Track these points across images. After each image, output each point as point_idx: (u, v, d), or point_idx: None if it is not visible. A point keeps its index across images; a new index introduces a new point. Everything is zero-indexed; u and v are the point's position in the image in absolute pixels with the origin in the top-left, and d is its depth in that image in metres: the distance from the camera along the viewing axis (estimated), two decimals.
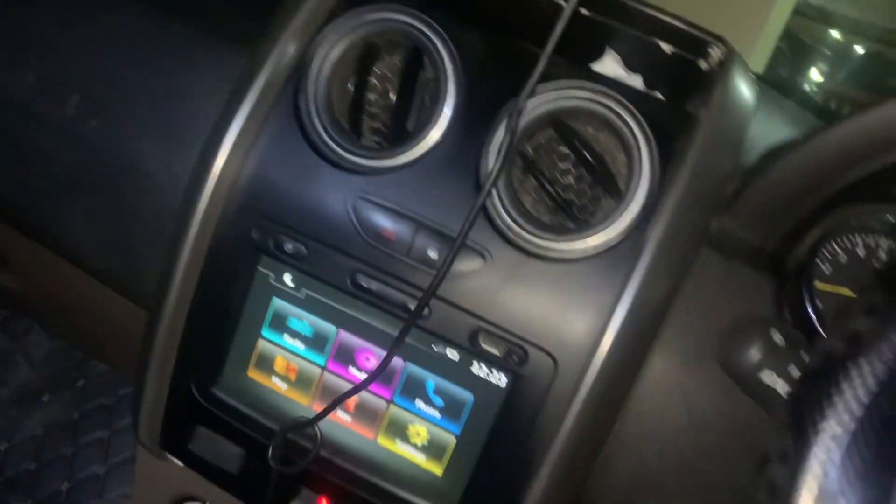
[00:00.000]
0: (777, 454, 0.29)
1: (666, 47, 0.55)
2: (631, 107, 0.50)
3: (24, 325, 1.28)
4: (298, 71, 0.53)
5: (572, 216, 0.52)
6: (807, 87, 1.02)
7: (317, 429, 0.53)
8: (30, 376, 1.26)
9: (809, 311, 0.49)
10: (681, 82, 0.54)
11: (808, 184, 0.51)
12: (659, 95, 0.54)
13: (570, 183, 0.54)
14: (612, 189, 0.51)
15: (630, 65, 0.56)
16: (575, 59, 0.54)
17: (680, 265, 0.49)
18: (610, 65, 0.58)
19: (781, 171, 0.51)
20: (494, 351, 0.49)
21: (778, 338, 0.42)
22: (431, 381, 0.51)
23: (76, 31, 0.60)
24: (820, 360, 0.29)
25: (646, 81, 0.56)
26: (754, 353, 0.42)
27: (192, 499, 0.63)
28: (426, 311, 0.50)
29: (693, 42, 0.53)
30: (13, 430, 1.22)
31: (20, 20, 0.62)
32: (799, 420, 0.28)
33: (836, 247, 0.53)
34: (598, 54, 0.57)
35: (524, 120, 0.51)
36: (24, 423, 1.23)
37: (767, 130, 0.59)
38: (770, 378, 0.42)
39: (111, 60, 0.59)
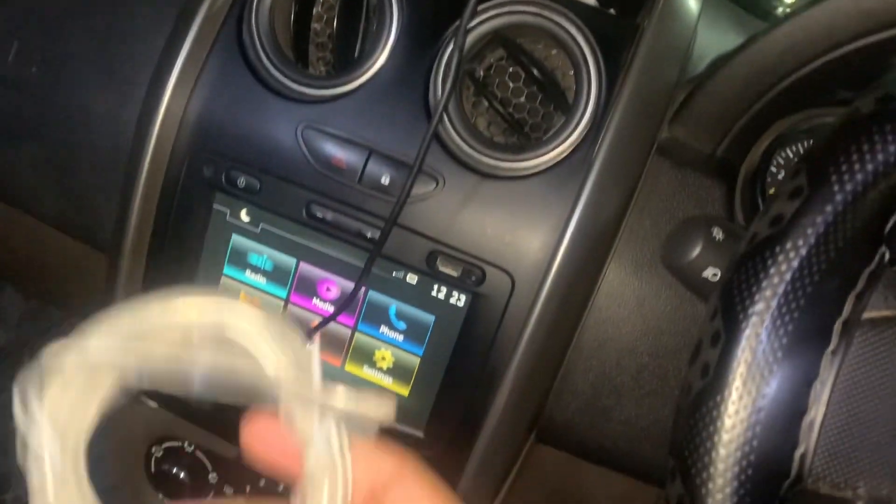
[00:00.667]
0: (709, 337, 0.30)
1: None
2: (578, 21, 0.49)
3: None
4: (240, 2, 0.52)
5: (525, 135, 0.52)
6: None
7: None
8: (6, 339, 1.26)
9: None
10: None
11: (754, 88, 0.51)
12: (612, 12, 0.54)
13: (521, 102, 0.54)
14: (562, 105, 0.51)
15: None
16: None
17: (630, 176, 0.49)
18: None
19: (727, 75, 0.51)
20: (452, 272, 0.50)
21: (719, 234, 0.43)
22: (393, 305, 0.52)
23: None
24: (746, 244, 0.30)
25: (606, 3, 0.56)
26: (695, 251, 0.43)
27: (169, 438, 0.64)
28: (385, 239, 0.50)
29: None
30: None
31: None
32: (728, 301, 0.29)
33: (788, 153, 0.53)
34: None
35: (471, 39, 0.50)
36: (6, 387, 1.23)
37: (715, 38, 0.59)
38: (711, 274, 0.43)
39: (47, 5, 0.57)
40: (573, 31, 0.49)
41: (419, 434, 0.53)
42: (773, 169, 0.53)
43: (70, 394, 0.27)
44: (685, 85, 0.55)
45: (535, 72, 0.51)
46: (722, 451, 0.28)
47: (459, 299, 0.51)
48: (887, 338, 0.29)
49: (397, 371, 0.53)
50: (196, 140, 0.52)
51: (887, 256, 0.30)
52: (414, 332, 0.52)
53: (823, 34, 0.49)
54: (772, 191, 0.52)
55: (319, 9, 0.55)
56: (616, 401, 0.52)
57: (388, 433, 0.52)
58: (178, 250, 0.54)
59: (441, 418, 0.53)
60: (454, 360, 0.51)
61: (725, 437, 0.28)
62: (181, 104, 0.52)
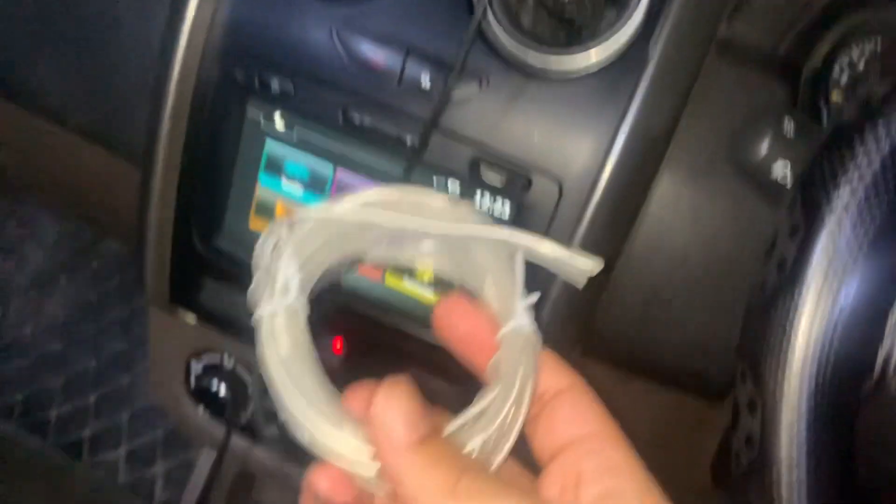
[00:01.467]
0: (786, 229, 0.27)
1: None
2: None
3: (32, 210, 1.28)
4: None
5: (576, 33, 0.49)
6: None
7: None
8: (44, 261, 1.27)
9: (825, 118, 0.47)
10: None
11: None
12: None
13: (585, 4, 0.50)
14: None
15: None
16: None
17: (687, 75, 0.46)
18: None
19: None
20: (496, 180, 0.48)
21: (789, 127, 0.40)
22: None
23: None
24: (832, 130, 0.27)
25: None
26: (764, 146, 0.40)
27: (209, 352, 0.63)
28: (428, 144, 0.48)
29: None
30: (36, 314, 1.25)
31: None
32: (809, 190, 0.27)
33: (854, 53, 0.50)
34: None
35: None
36: (45, 307, 1.25)
37: None
38: (781, 171, 0.40)
39: None
40: None
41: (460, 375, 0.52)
42: (838, 70, 0.49)
43: (311, 242, 0.32)
44: None
45: None
46: (798, 351, 0.26)
47: (504, 209, 0.49)
48: None
49: (440, 283, 0.52)
50: (227, 43, 0.50)
51: None
52: None
53: None
54: (834, 94, 0.49)
55: None
56: (667, 313, 0.50)
57: (432, 347, 0.50)
58: (211, 160, 0.53)
59: None
60: None
61: (802, 335, 0.26)
62: (211, 5, 0.49)
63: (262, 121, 0.51)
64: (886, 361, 0.26)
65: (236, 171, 0.53)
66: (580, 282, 0.30)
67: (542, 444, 0.31)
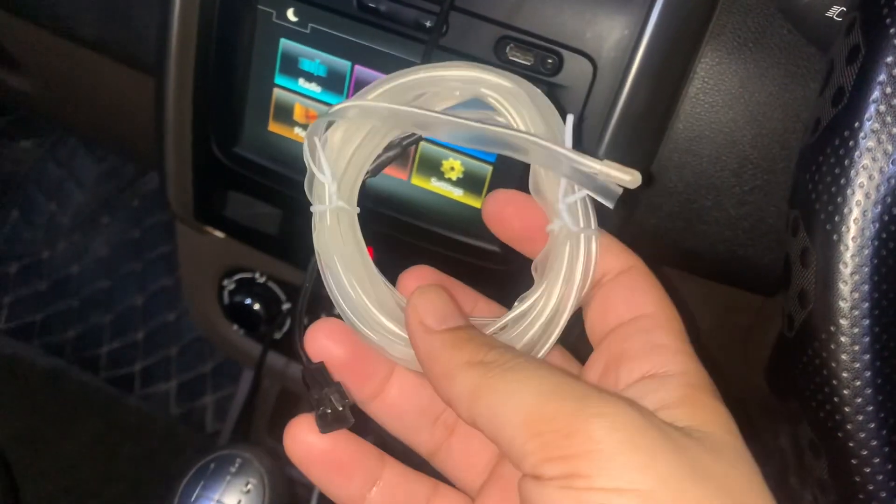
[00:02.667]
0: (844, 55, 0.24)
1: None
2: None
3: (70, 150, 1.28)
4: None
5: None
6: None
7: None
8: (84, 200, 1.28)
9: None
10: None
11: None
12: None
13: None
14: None
15: None
16: None
17: None
18: None
19: None
20: (524, 60, 0.44)
21: None
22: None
23: None
24: None
25: None
26: None
27: (240, 270, 0.62)
28: (444, 27, 0.44)
29: None
30: (81, 253, 1.26)
31: None
32: (870, 9, 0.23)
33: None
34: None
35: None
36: (89, 246, 1.26)
37: None
38: (837, 12, 0.36)
39: None
40: None
41: (495, 248, 0.50)
42: None
43: (351, 136, 0.31)
44: None
45: None
46: (858, 191, 0.23)
47: None
48: None
49: (468, 181, 0.49)
50: None
51: None
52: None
53: None
54: None
55: None
56: (715, 200, 0.46)
57: (464, 249, 0.48)
58: (225, 64, 0.50)
59: None
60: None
61: (864, 172, 0.23)
62: None
63: (275, 14, 0.48)
64: None
65: (251, 73, 0.50)
66: (614, 198, 0.27)
67: (594, 326, 0.30)
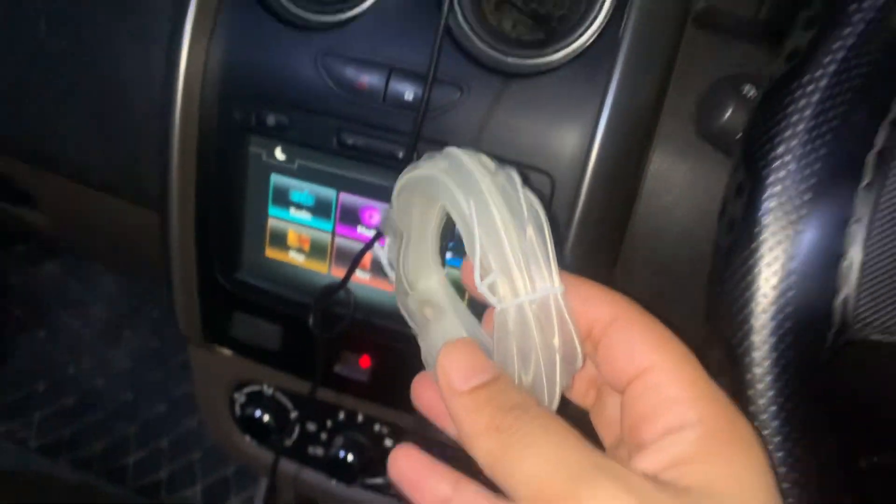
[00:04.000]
0: (733, 190, 0.27)
1: None
2: None
3: (93, 269, 1.34)
4: None
5: (553, 29, 0.50)
6: None
7: (346, 291, 0.54)
8: (106, 315, 1.33)
9: None
10: None
11: None
12: None
13: None
14: None
15: None
16: None
17: (662, 53, 0.46)
18: None
19: None
20: None
21: (751, 91, 0.40)
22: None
23: None
24: (765, 86, 0.27)
25: None
26: (727, 111, 0.40)
27: (249, 383, 0.66)
28: (415, 154, 0.49)
29: None
30: (104, 366, 1.31)
31: None
32: (749, 149, 0.27)
33: None
34: None
35: None
36: (112, 359, 1.31)
37: None
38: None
39: None
40: None
41: None
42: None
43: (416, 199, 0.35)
44: None
45: None
46: (757, 307, 0.26)
47: None
48: None
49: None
50: (222, 85, 0.52)
51: None
52: (461, 247, 0.51)
53: None
54: None
55: None
56: (679, 291, 0.50)
57: None
58: (223, 198, 0.55)
59: None
60: None
61: (759, 291, 0.26)
62: (201, 53, 0.52)
63: (264, 155, 0.53)
64: (844, 307, 0.26)
65: (247, 206, 0.55)
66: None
67: (608, 380, 0.31)
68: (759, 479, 0.25)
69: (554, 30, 0.50)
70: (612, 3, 0.46)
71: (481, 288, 0.29)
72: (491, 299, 0.29)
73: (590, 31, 0.46)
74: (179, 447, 1.22)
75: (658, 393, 0.28)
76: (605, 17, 0.46)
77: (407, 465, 0.31)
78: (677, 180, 0.48)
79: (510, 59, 0.47)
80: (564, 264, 0.46)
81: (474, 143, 0.48)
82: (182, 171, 0.54)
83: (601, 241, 0.48)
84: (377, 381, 0.57)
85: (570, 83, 0.47)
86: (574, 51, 0.46)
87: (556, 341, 0.29)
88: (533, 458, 0.26)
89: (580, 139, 0.47)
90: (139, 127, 0.57)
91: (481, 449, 0.28)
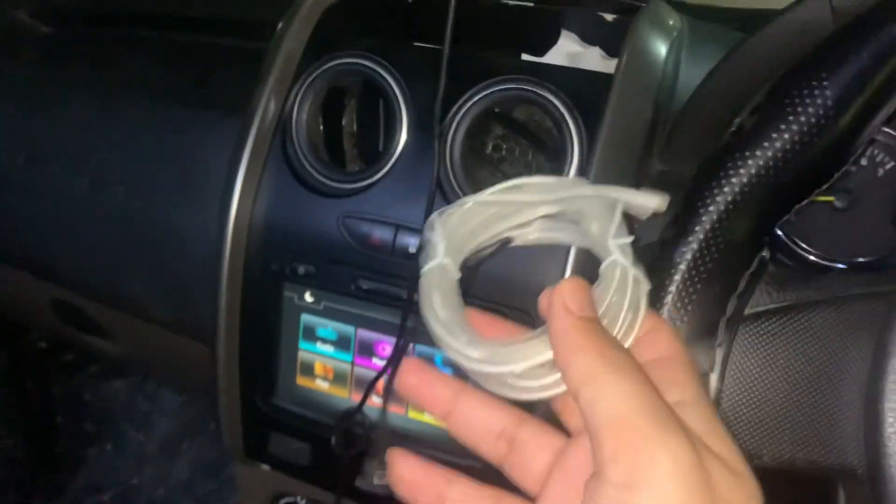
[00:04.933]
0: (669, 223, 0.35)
1: (607, 16, 0.61)
2: (552, 87, 0.57)
3: (154, 386, 1.46)
4: (282, 123, 0.63)
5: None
6: None
7: (363, 414, 0.63)
8: (168, 428, 1.44)
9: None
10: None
11: (727, 106, 0.56)
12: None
13: (529, 160, 0.61)
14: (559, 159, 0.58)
15: (587, 39, 0.63)
16: (533, 49, 0.62)
17: None
18: (567, 45, 0.65)
19: (702, 96, 0.56)
20: None
21: None
22: (438, 355, 0.60)
23: (110, 136, 0.73)
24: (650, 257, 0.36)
25: (606, 50, 0.62)
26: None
27: (286, 495, 0.74)
28: (417, 297, 0.58)
29: (630, 4, 0.59)
30: (165, 477, 1.40)
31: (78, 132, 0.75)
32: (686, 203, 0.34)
33: None
34: (555, 38, 0.64)
35: (470, 119, 0.59)
36: (173, 470, 1.41)
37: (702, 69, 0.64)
38: None
39: (140, 151, 0.71)
40: (549, 96, 0.56)
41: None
42: None
43: (460, 227, 0.40)
44: (672, 118, 0.60)
45: (529, 136, 0.59)
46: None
47: None
48: (771, 326, 0.34)
49: None
50: (262, 242, 0.63)
51: (767, 257, 0.35)
52: (459, 374, 0.60)
53: (795, 44, 0.53)
54: None
55: (350, 115, 0.65)
56: None
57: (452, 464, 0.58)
58: (261, 334, 0.65)
59: None
60: None
61: None
62: (246, 214, 0.63)
63: (296, 298, 0.63)
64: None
65: (281, 340, 0.65)
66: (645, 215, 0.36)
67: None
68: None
69: None
70: (575, 171, 0.55)
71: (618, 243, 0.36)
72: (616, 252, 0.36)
73: None
74: None
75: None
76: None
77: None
78: None
79: None
80: None
81: (466, 288, 0.57)
82: (229, 312, 0.65)
83: None
84: (392, 495, 0.65)
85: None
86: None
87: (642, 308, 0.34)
88: (623, 391, 0.28)
89: (552, 283, 0.55)
90: (194, 274, 0.69)
91: (579, 364, 0.30)
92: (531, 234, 0.41)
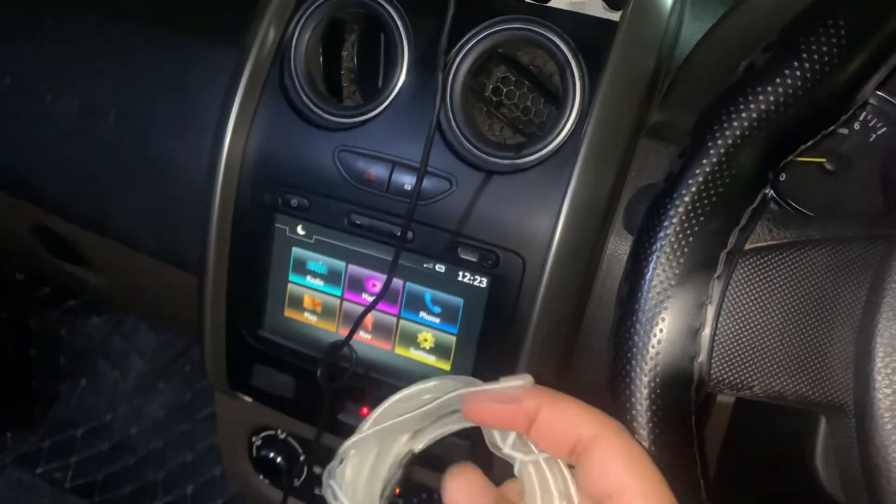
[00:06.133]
0: (623, 275, 0.36)
1: None
2: (558, 29, 0.56)
3: (132, 325, 1.45)
4: (280, 53, 0.63)
5: (533, 134, 0.60)
6: None
7: (350, 348, 0.63)
8: (144, 368, 1.43)
9: None
10: None
11: (730, 58, 0.56)
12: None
13: (528, 106, 0.61)
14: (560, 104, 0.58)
15: None
16: None
17: (615, 158, 0.56)
18: None
19: (704, 50, 0.57)
20: (471, 259, 0.58)
21: None
22: (428, 293, 0.60)
23: (102, 61, 0.72)
24: (650, 199, 0.36)
25: (607, 1, 0.62)
26: (641, 214, 0.49)
27: (266, 428, 0.75)
28: (411, 234, 0.59)
29: None
30: (139, 416, 1.40)
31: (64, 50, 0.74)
32: (636, 243, 0.36)
33: None
34: None
35: (473, 58, 0.58)
36: (147, 409, 1.41)
37: (704, 24, 0.64)
38: None
39: (133, 77, 0.70)
40: (555, 38, 0.56)
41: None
42: None
43: (360, 466, 0.39)
44: (673, 70, 0.60)
45: (532, 79, 0.59)
46: (634, 365, 0.34)
47: (481, 281, 0.58)
48: (770, 262, 0.35)
49: (438, 349, 0.62)
50: (255, 173, 0.63)
51: (770, 195, 0.35)
52: (448, 314, 0.60)
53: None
54: None
55: (350, 50, 0.65)
56: None
57: None
58: (251, 265, 0.65)
59: None
60: (483, 334, 0.59)
61: (636, 352, 0.34)
62: (240, 145, 0.63)
63: (288, 230, 0.63)
64: (701, 368, 0.34)
65: (271, 272, 0.65)
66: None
67: (587, 492, 0.33)
68: None
69: (533, 135, 0.59)
70: (576, 116, 0.56)
71: (506, 449, 0.35)
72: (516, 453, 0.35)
73: (557, 140, 0.56)
74: (202, 496, 1.30)
75: None
76: (571, 127, 0.56)
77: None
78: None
79: (492, 159, 0.57)
80: (528, 332, 0.54)
81: (460, 227, 0.58)
82: (219, 242, 0.64)
83: (563, 315, 0.57)
84: None
85: (541, 180, 0.56)
86: (543, 155, 0.56)
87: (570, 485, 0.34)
88: None
89: (547, 227, 0.56)
90: (183, 203, 0.68)
91: None
92: (429, 435, 0.40)
